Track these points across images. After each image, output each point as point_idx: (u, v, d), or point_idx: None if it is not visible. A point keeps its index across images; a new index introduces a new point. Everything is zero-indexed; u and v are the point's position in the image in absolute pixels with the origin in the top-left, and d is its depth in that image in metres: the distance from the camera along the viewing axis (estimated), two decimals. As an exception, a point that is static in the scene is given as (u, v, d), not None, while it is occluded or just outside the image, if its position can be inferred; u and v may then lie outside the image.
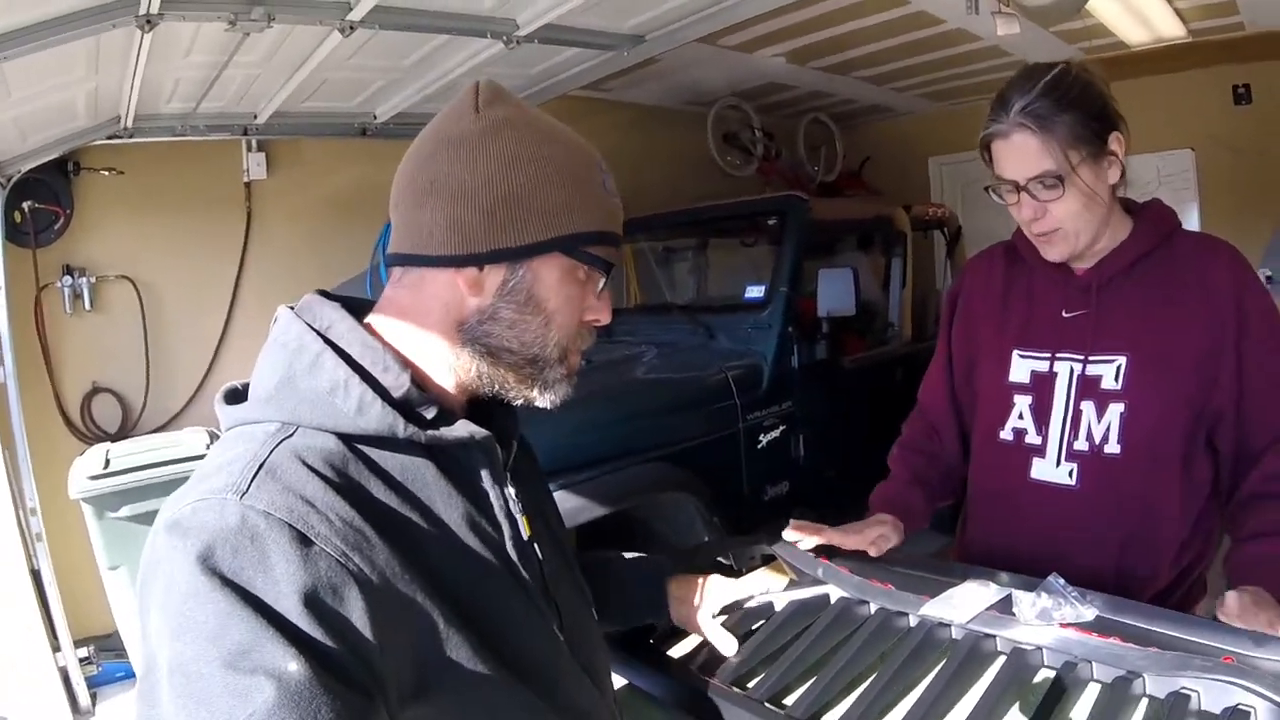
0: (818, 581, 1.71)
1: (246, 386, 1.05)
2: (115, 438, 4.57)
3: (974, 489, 2.01)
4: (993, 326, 1.94)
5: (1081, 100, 1.65)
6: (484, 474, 1.09)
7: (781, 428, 4.69)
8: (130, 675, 4.16)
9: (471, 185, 1.03)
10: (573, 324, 1.13)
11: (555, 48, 4.02)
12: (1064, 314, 1.81)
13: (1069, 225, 1.69)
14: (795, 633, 1.55)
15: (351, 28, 3.18)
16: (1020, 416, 1.85)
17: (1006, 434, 1.87)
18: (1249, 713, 1.17)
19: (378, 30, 3.30)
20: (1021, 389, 1.84)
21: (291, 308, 1.09)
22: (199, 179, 4.96)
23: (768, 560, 1.94)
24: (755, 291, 4.95)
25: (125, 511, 3.86)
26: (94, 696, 4.17)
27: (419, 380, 1.06)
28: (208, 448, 4.01)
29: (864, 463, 5.17)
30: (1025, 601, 1.45)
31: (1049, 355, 1.81)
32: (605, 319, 1.17)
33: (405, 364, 1.05)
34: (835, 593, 1.67)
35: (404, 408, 1.01)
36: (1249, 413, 1.68)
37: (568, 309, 1.11)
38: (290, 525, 0.86)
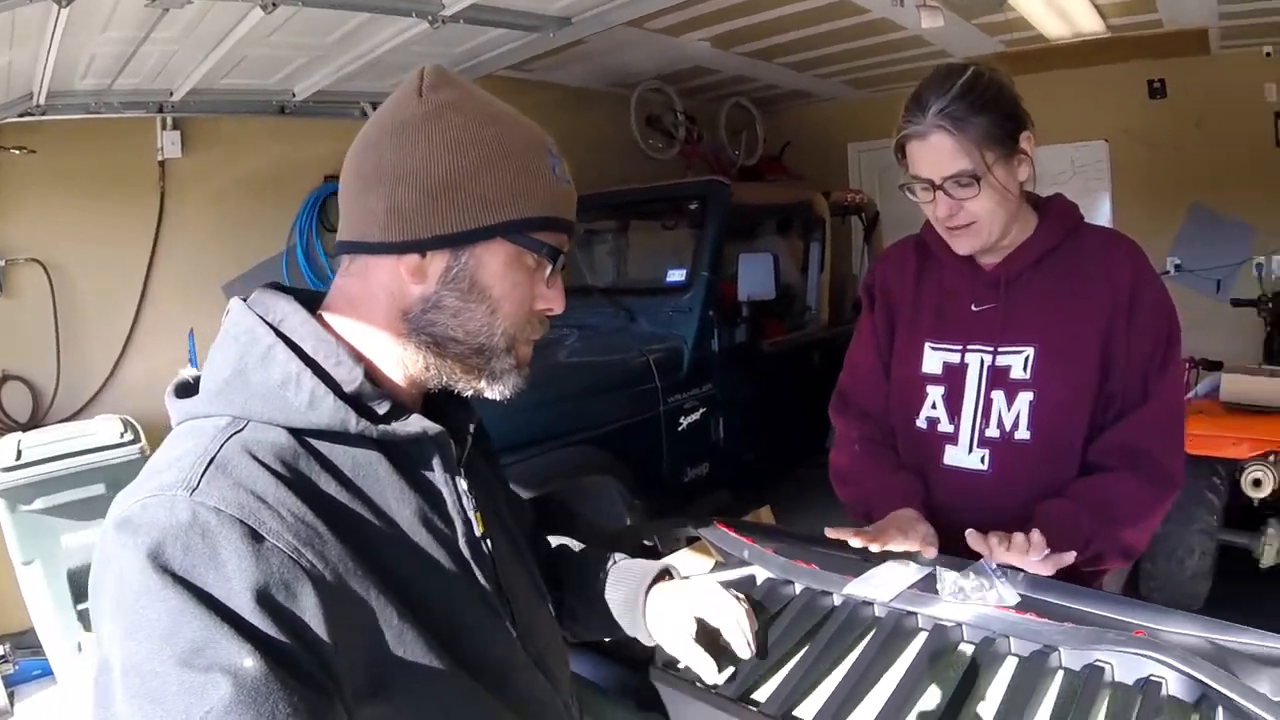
0: (744, 563, 1.74)
1: (197, 380, 1.04)
2: (26, 427, 4.43)
3: None
4: (906, 318, 1.99)
5: (996, 102, 1.70)
6: (437, 469, 1.08)
7: (701, 410, 4.76)
8: (48, 673, 4.06)
9: (412, 170, 1.01)
10: (521, 313, 1.11)
11: (480, 28, 3.99)
12: (974, 307, 1.86)
13: (982, 221, 1.74)
14: None
15: (274, 4, 3.13)
16: (933, 406, 1.90)
17: (921, 422, 1.92)
18: (1160, 683, 1.23)
19: (300, 6, 3.25)
20: (934, 379, 1.90)
21: (244, 299, 1.07)
22: (112, 158, 4.82)
23: (692, 541, 1.96)
24: (676, 275, 5.01)
25: (39, 504, 3.75)
26: (11, 695, 4.06)
27: (372, 374, 1.04)
28: (121, 436, 3.93)
29: (782, 444, 5.30)
30: (950, 580, 1.50)
31: (960, 347, 1.87)
32: (558, 308, 1.15)
33: (359, 358, 1.04)
34: (761, 573, 1.70)
35: (356, 402, 1.00)
36: (1129, 393, 1.76)
37: (514, 296, 1.09)
38: (241, 521, 0.85)
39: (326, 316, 1.08)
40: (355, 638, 0.90)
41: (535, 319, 1.14)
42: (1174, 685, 1.23)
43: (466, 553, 1.09)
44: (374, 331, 1.07)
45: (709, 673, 1.36)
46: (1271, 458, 3.67)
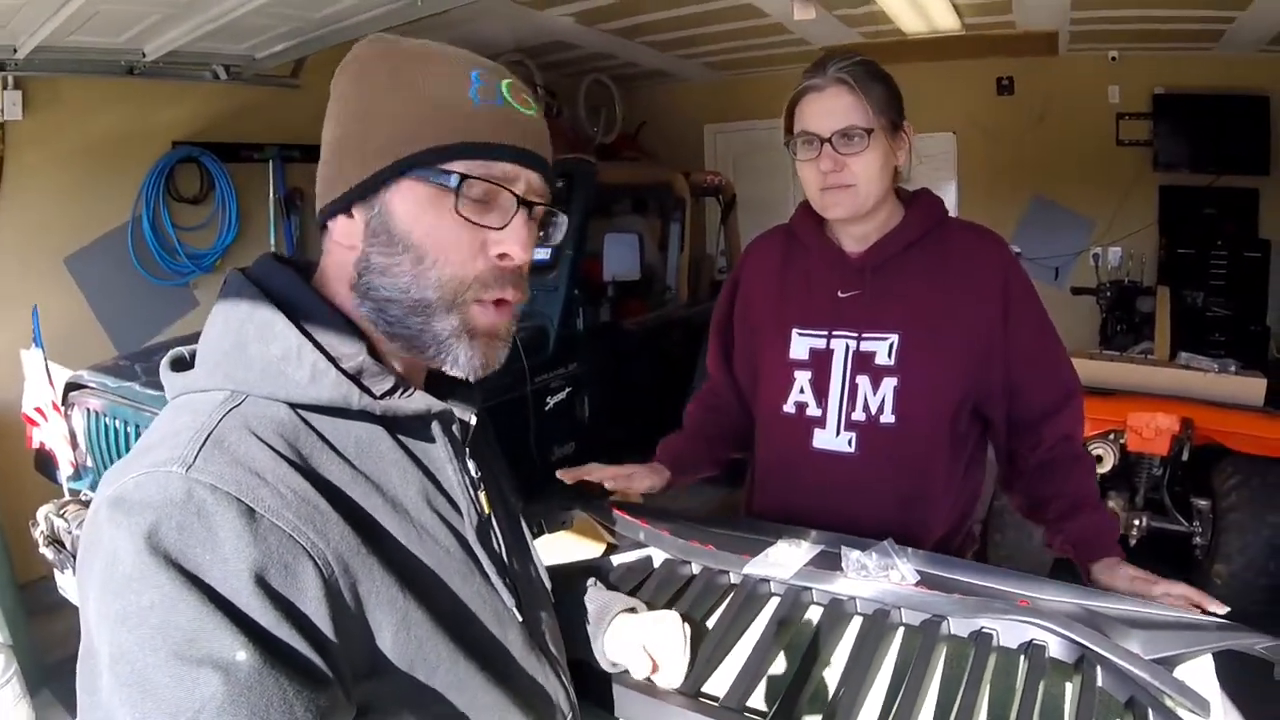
0: (639, 545, 1.78)
1: (193, 354, 1.00)
2: None
3: (761, 458, 2.12)
4: (772, 307, 2.05)
5: (888, 81, 1.83)
6: (441, 448, 1.05)
7: (568, 389, 4.81)
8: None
9: (329, 131, 1.02)
10: (461, 260, 0.99)
11: (347, -8, 3.88)
12: (840, 294, 1.93)
13: (861, 183, 1.81)
14: (626, 593, 1.57)
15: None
16: (801, 390, 1.96)
17: (789, 407, 1.98)
18: (1043, 646, 1.35)
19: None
20: (801, 365, 1.96)
21: (242, 270, 1.02)
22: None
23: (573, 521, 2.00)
24: (541, 253, 4.94)
25: None
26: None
27: (374, 350, 1.01)
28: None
29: (647, 421, 5.37)
30: (854, 558, 1.57)
31: (826, 333, 1.94)
32: (514, 253, 1.01)
33: (360, 333, 1.00)
34: (658, 555, 1.74)
35: (357, 378, 0.97)
36: (1018, 386, 1.88)
37: (443, 241, 0.98)
38: (239, 499, 0.82)
39: (321, 287, 1.05)
40: (356, 619, 0.88)
41: (490, 271, 1.01)
42: (1055, 648, 1.35)
43: (471, 535, 1.06)
44: (340, 303, 1.03)
45: (641, 670, 1.37)
46: (1111, 436, 3.95)
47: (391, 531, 0.95)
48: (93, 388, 3.86)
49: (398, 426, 1.02)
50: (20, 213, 4.86)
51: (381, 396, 0.98)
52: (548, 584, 1.29)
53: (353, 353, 0.98)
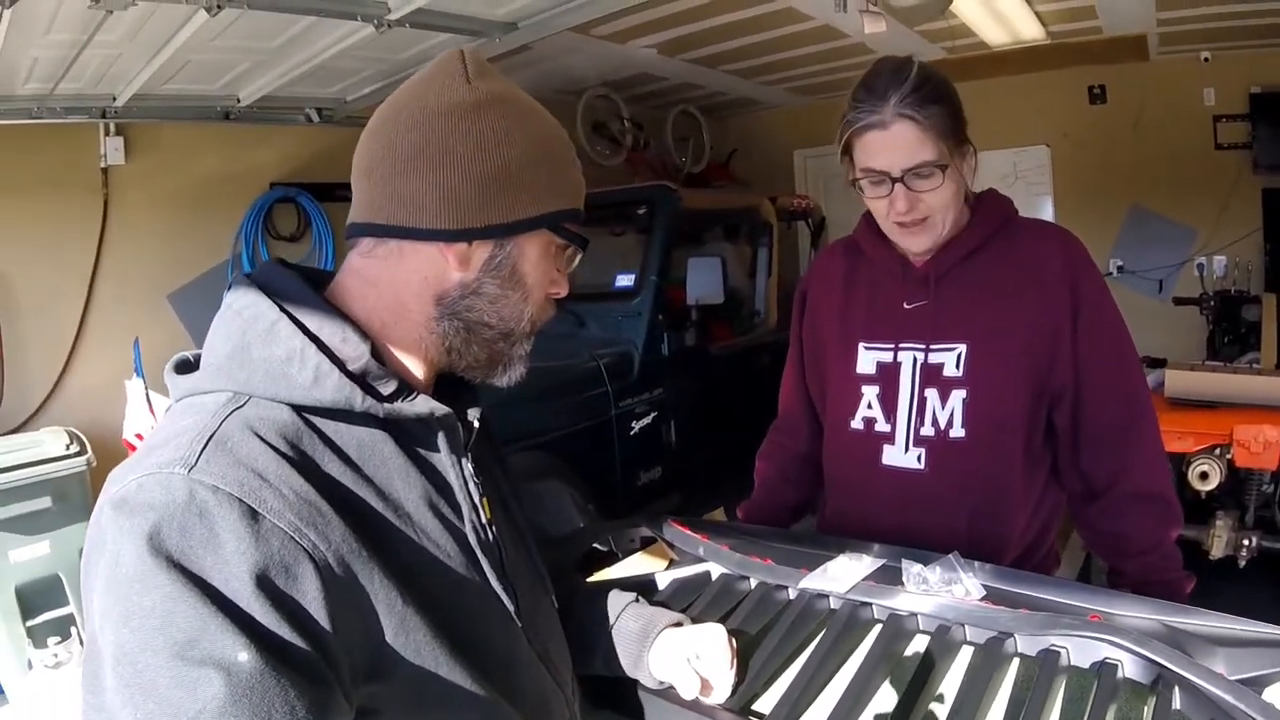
0: (698, 560, 1.73)
1: (198, 358, 1.01)
2: (-30, 441, 4.33)
3: (829, 475, 2.06)
4: (836, 321, 1.98)
5: (947, 93, 1.70)
6: (443, 452, 1.06)
7: (653, 414, 4.79)
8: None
9: (464, 157, 1.00)
10: (543, 298, 1.13)
11: (426, 32, 3.95)
12: (905, 305, 1.86)
13: (938, 214, 1.73)
14: (679, 610, 1.53)
15: (218, 6, 3.08)
16: (869, 406, 1.89)
17: (857, 423, 1.91)
18: (1116, 665, 1.25)
19: (245, 9, 3.20)
20: (869, 380, 1.89)
21: (248, 274, 1.05)
22: (54, 164, 4.73)
23: (649, 542, 1.96)
24: (625, 280, 5.03)
25: (-11, 517, 3.67)
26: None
27: (379, 354, 1.03)
28: (67, 448, 3.86)
29: (733, 446, 5.32)
30: (915, 572, 1.50)
31: (893, 346, 1.86)
32: (564, 291, 1.16)
33: (365, 336, 1.02)
34: (716, 570, 1.70)
35: (361, 380, 0.98)
36: (1085, 391, 1.77)
37: (543, 284, 1.12)
38: (241, 500, 0.83)
39: (336, 295, 1.07)
40: (356, 621, 0.89)
41: (550, 305, 1.16)
42: (1130, 667, 1.25)
43: (472, 540, 1.07)
44: (398, 312, 1.06)
45: (690, 690, 1.31)
46: (1217, 451, 3.75)
47: (392, 534, 0.96)
48: (192, 414, 3.95)
49: (400, 429, 1.03)
50: (124, 252, 5.04)
51: (385, 399, 0.99)
52: (550, 590, 1.29)
53: (357, 355, 0.99)
